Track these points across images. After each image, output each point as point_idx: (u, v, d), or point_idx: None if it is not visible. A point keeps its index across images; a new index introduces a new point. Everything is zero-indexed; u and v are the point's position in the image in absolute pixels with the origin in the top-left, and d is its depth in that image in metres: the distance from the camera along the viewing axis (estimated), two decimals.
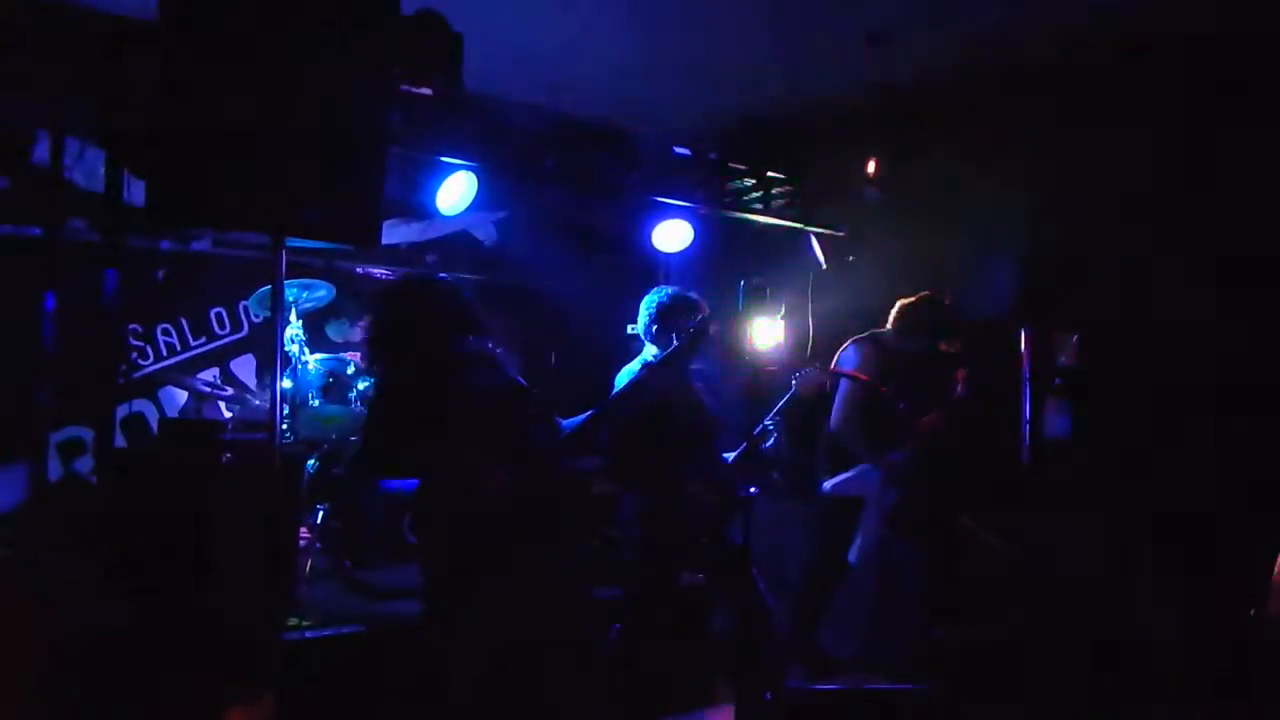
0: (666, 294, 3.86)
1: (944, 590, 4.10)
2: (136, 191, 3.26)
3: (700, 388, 4.03)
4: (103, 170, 3.51)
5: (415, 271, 4.02)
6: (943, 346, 4.32)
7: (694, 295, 3.90)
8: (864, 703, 2.98)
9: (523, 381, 3.07)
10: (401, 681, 3.28)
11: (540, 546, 2.89)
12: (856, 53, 4.69)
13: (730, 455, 3.88)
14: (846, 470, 4.19)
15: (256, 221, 2.86)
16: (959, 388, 4.31)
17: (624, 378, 3.80)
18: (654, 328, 3.82)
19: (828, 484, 4.20)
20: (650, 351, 3.84)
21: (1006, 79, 4.90)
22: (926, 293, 4.35)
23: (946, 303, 4.36)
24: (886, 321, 4.36)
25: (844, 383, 4.15)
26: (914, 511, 4.01)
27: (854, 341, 4.31)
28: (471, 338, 3.04)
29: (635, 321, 3.97)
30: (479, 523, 2.73)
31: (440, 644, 2.79)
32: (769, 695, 3.00)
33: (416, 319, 2.99)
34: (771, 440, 3.94)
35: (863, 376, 4.13)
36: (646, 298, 3.91)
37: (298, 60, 2.90)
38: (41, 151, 4.36)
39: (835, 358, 4.32)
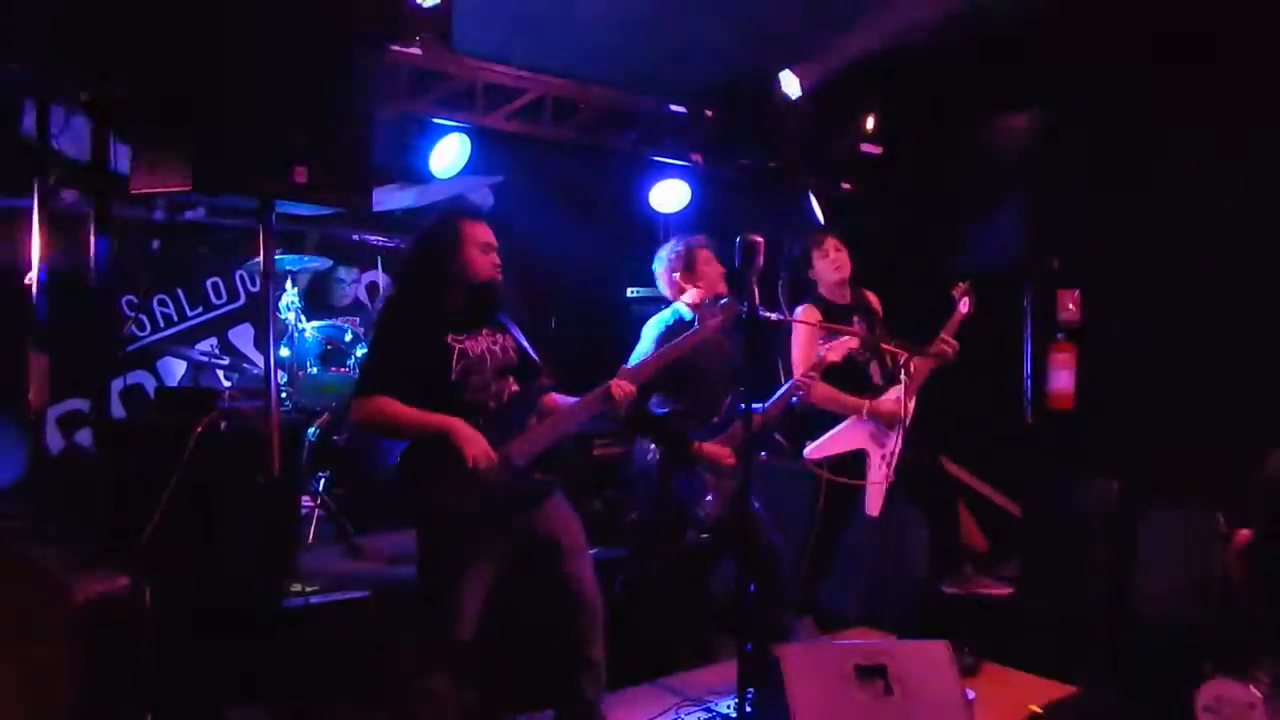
0: (681, 242, 3.79)
1: (946, 546, 4.10)
2: (124, 160, 3.22)
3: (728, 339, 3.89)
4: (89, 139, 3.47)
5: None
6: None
7: (704, 237, 3.81)
8: (867, 659, 2.98)
9: (533, 354, 3.00)
10: (405, 646, 3.29)
11: (533, 509, 2.88)
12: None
13: (759, 405, 3.70)
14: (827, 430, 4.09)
15: (243, 187, 2.83)
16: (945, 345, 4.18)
17: (655, 328, 3.68)
18: (677, 276, 3.74)
19: (810, 448, 4.04)
20: (684, 303, 3.69)
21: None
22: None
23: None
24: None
25: (797, 331, 4.06)
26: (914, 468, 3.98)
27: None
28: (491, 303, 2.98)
29: (635, 283, 3.88)
30: (467, 486, 2.71)
31: (436, 606, 2.78)
32: (772, 652, 2.99)
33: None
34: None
35: (813, 322, 4.01)
36: (659, 254, 3.82)
37: (284, 23, 2.86)
38: (29, 122, 4.32)
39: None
